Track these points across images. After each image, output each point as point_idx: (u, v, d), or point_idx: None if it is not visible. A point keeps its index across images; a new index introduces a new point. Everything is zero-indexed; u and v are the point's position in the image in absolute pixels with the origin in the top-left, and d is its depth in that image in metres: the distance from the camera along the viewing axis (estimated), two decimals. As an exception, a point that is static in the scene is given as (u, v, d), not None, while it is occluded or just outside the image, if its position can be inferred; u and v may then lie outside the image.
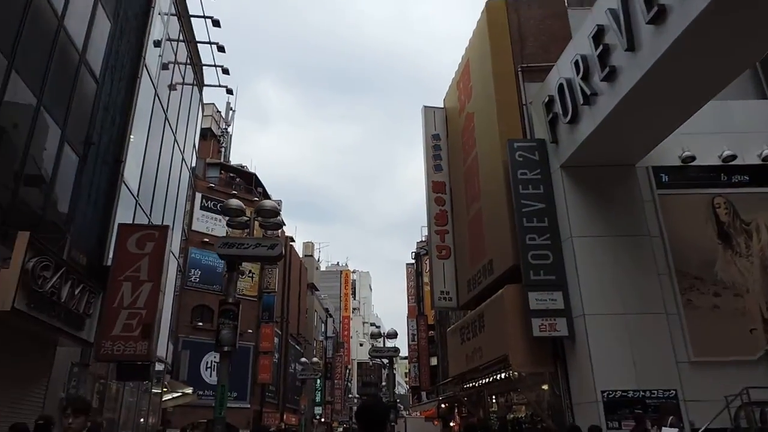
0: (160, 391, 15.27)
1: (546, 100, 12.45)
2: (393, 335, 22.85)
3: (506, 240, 12.92)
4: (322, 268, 69.55)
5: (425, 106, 19.62)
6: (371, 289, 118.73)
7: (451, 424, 19.49)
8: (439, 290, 16.93)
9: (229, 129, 38.24)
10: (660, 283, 11.20)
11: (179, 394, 16.95)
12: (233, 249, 10.00)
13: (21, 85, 7.65)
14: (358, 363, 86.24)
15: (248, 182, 34.44)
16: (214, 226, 30.70)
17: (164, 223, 14.19)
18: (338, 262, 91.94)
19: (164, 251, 10.12)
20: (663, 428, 7.29)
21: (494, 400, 16.19)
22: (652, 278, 11.24)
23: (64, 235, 8.68)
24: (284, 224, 39.26)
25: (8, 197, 7.42)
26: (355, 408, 58.96)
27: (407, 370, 59.57)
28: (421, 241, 40.56)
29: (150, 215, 13.46)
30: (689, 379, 10.49)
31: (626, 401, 10.41)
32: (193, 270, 29.25)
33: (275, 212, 10.51)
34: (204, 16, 15.66)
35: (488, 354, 12.98)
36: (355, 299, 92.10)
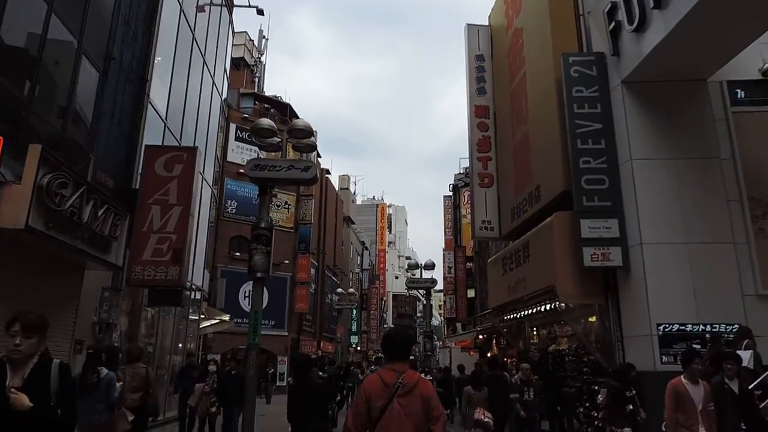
0: (197, 317, 15.32)
1: (608, 7, 11.08)
2: (430, 266, 22.42)
3: (556, 164, 11.96)
4: (358, 202, 69.50)
5: (468, 24, 18.19)
6: (407, 224, 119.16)
7: (488, 354, 19.24)
8: (480, 219, 16.19)
9: (263, 58, 37.21)
10: (729, 211, 10.17)
11: (217, 321, 17.05)
12: (265, 171, 9.42)
13: (28, -14, 6.96)
14: (393, 295, 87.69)
15: (283, 113, 33.68)
16: (249, 156, 30.29)
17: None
18: (374, 197, 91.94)
19: (193, 173, 9.63)
20: (738, 351, 6.58)
21: (535, 332, 15.72)
22: (719, 205, 10.21)
23: (87, 154, 8.20)
24: (320, 156, 38.72)
25: (21, 111, 6.91)
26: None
27: (441, 303, 60.10)
28: (459, 173, 39.53)
29: (180, 140, 12.96)
30: (756, 313, 9.63)
31: (684, 335, 9.69)
32: (229, 201, 29.26)
33: (308, 132, 9.78)
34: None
35: (533, 285, 12.35)
36: (390, 233, 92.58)
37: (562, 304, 11.25)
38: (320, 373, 11.96)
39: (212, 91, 15.74)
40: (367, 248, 59.48)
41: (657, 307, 9.83)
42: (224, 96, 17.26)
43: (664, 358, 9.67)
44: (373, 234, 70.14)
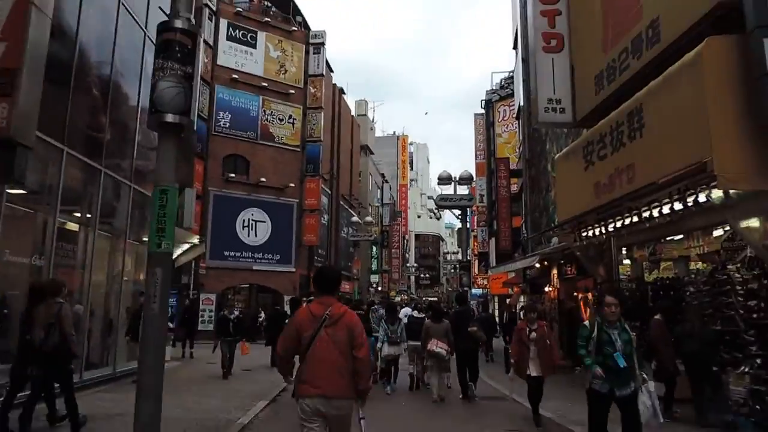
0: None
1: None
2: (467, 179, 17.89)
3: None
4: (377, 134, 64.32)
5: None
6: (429, 162, 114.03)
7: (546, 289, 14.70)
8: (545, 98, 11.34)
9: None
10: None
11: (188, 246, 12.81)
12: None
13: None
14: (416, 235, 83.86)
15: (285, 11, 28.46)
16: (245, 60, 25.50)
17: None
18: (394, 132, 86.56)
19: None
20: None
21: (625, 254, 11.20)
22: None
23: None
24: (332, 70, 32.96)
25: None
26: (413, 277, 56.03)
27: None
28: (491, 90, 34.26)
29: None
30: None
31: None
32: (221, 113, 24.62)
33: None
34: None
35: (650, 170, 7.66)
36: (412, 170, 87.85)
37: (719, 194, 6.56)
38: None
39: None
40: (387, 181, 54.90)
41: None
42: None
43: None
44: (393, 169, 65.26)
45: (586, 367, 5.22)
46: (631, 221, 8.73)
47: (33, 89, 4.87)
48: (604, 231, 9.91)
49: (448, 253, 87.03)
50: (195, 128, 22.34)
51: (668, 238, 10.09)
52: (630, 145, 8.39)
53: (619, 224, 9.16)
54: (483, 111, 33.55)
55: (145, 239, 11.19)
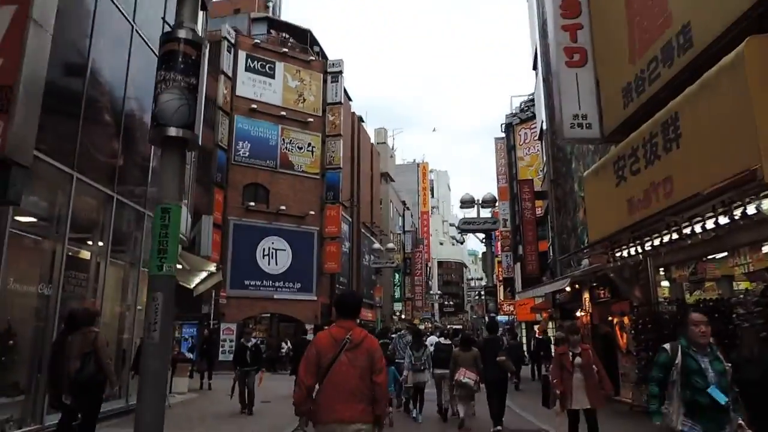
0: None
1: None
2: (490, 201, 17.42)
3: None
4: (398, 162, 64.26)
5: None
6: (450, 189, 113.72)
7: (578, 313, 13.99)
8: (570, 114, 10.92)
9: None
10: None
11: (206, 274, 12.52)
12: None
13: None
14: (438, 262, 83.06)
15: (302, 41, 28.68)
16: (263, 90, 25.64)
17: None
18: (414, 159, 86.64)
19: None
20: None
21: (663, 275, 10.55)
22: None
23: None
24: (350, 99, 32.90)
25: None
26: (437, 305, 55.14)
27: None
28: (512, 113, 33.92)
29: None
30: None
31: None
32: (240, 143, 24.67)
33: None
34: None
35: (691, 183, 7.14)
36: (433, 197, 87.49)
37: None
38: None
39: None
40: (408, 208, 54.51)
41: None
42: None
43: None
44: (414, 196, 64.95)
45: (650, 414, 4.14)
46: (670, 238, 8.18)
47: (30, 107, 4.64)
48: (640, 250, 9.33)
49: (471, 279, 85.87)
50: (214, 157, 22.35)
51: (710, 257, 9.47)
52: (666, 157, 7.87)
53: (656, 242, 8.60)
54: (503, 135, 33.17)
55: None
